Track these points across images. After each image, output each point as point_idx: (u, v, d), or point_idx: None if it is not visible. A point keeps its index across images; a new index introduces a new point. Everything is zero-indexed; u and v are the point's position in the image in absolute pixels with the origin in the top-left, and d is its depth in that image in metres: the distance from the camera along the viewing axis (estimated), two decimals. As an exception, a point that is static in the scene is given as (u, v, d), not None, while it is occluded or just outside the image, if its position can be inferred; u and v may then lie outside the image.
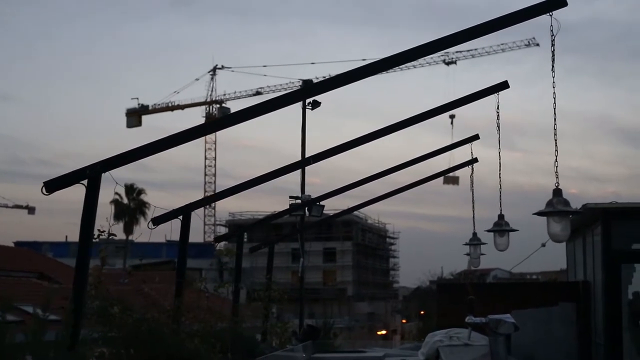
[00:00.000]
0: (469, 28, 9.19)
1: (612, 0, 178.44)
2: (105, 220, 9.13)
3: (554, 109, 8.65)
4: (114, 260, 72.67)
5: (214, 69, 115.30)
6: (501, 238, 13.85)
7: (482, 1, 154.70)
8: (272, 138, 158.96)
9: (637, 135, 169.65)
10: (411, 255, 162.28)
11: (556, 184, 8.50)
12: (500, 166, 13.77)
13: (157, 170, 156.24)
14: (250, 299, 21.48)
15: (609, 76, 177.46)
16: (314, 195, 21.72)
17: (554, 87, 8.62)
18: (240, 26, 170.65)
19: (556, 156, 8.50)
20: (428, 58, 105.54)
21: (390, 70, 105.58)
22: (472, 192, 16.68)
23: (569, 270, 21.13)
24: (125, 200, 76.39)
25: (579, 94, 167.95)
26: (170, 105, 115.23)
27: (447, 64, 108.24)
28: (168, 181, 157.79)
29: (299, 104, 27.25)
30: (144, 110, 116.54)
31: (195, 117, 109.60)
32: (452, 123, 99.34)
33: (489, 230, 13.97)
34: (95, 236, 8.47)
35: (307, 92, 9.18)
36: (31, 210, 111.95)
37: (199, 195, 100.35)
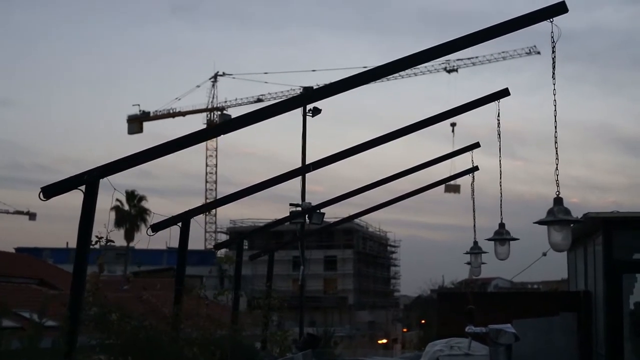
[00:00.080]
0: (469, 34, 9.15)
1: (613, 9, 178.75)
2: (106, 226, 9.09)
3: (555, 116, 8.61)
4: (114, 267, 72.76)
5: (215, 76, 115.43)
6: (502, 247, 13.79)
7: (484, 8, 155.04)
8: (274, 146, 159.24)
9: (638, 144, 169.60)
10: (412, 263, 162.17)
11: (557, 193, 8.45)
12: (500, 174, 13.74)
13: (158, 177, 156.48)
14: (251, 307, 21.41)
15: (610, 85, 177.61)
16: (315, 203, 21.67)
17: (554, 94, 8.59)
18: (241, 33, 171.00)
19: (557, 164, 8.46)
20: (429, 66, 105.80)
21: (391, 78, 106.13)
22: (473, 201, 16.64)
23: (570, 279, 21.06)
24: (126, 207, 76.28)
25: (579, 102, 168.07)
26: (171, 112, 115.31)
27: (449, 71, 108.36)
28: (169, 188, 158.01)
29: (300, 111, 27.22)
30: (145, 116, 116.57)
31: (197, 124, 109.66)
32: (453, 131, 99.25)
33: (489, 239, 13.92)
34: (93, 242, 8.41)
35: (307, 99, 9.14)
36: (32, 216, 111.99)
37: (200, 202, 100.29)
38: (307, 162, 23.99)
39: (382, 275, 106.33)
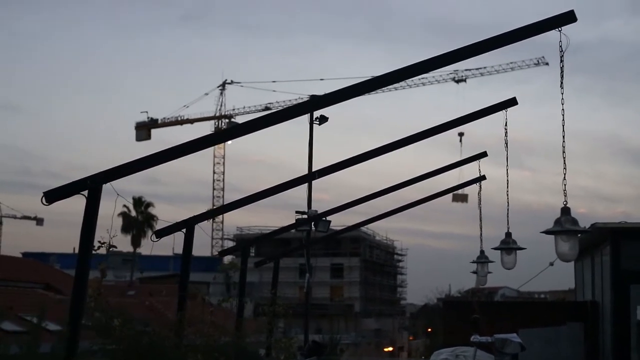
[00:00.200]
0: (478, 42, 9.07)
1: (622, 21, 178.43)
2: (114, 231, 9.05)
3: (563, 125, 8.55)
4: (122, 273, 72.87)
5: (224, 84, 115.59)
6: (508, 256, 13.71)
7: (494, 20, 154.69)
8: (282, 154, 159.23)
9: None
10: (419, 272, 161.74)
11: (564, 203, 8.38)
12: (508, 183, 13.67)
13: (166, 184, 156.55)
14: (256, 314, 21.35)
15: (617, 96, 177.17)
16: (321, 211, 21.61)
17: (562, 103, 8.53)
18: (249, 41, 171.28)
19: (564, 173, 8.38)
20: (437, 75, 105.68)
21: (399, 87, 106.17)
22: (480, 210, 16.56)
23: (577, 289, 20.97)
24: (133, 213, 76.41)
25: (587, 113, 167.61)
26: (179, 119, 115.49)
27: (457, 81, 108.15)
28: (177, 195, 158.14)
29: (307, 120, 27.20)
30: (153, 124, 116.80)
31: (205, 132, 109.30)
32: (460, 141, 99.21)
33: (496, 248, 13.84)
34: (96, 248, 8.37)
35: (314, 105, 9.10)
36: (39, 221, 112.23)
37: (206, 210, 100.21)
38: (314, 170, 23.99)
39: (389, 284, 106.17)
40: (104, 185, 8.14)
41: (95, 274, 9.53)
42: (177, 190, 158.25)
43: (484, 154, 16.26)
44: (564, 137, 8.52)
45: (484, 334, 13.11)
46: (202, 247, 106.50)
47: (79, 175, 8.08)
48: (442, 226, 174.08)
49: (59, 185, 7.98)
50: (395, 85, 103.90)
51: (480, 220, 16.41)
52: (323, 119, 27.40)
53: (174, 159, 8.68)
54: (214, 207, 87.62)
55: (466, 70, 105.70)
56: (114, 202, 8.66)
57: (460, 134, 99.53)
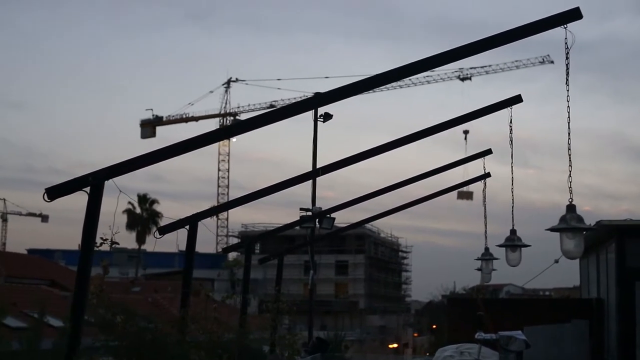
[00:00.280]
0: (483, 39, 9.01)
1: (627, 19, 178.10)
2: (118, 228, 9.03)
3: (568, 122, 8.49)
4: (127, 270, 72.96)
5: (228, 82, 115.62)
6: (513, 253, 13.65)
7: (499, 17, 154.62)
8: (287, 152, 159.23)
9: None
10: (424, 269, 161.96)
11: (570, 200, 8.32)
12: (512, 180, 13.62)
13: (171, 182, 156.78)
14: (261, 310, 21.33)
15: (622, 95, 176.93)
16: (326, 208, 21.57)
17: (568, 100, 8.46)
18: (254, 39, 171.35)
19: (570, 170, 8.33)
20: (442, 73, 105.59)
21: (404, 85, 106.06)
22: (485, 207, 16.50)
23: (582, 287, 20.92)
24: (138, 210, 76.53)
25: (592, 112, 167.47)
26: (184, 116, 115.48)
27: (462, 79, 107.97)
28: (182, 192, 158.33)
29: (311, 117, 27.15)
30: (158, 121, 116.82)
31: (210, 129, 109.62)
32: (465, 139, 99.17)
33: (500, 245, 13.78)
34: (98, 244, 8.34)
35: (319, 101, 9.07)
36: (44, 218, 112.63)
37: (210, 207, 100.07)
38: (318, 167, 23.92)
39: (394, 281, 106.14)
40: (108, 182, 8.13)
41: (98, 270, 9.51)
42: (182, 188, 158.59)
43: (488, 152, 16.20)
44: (569, 134, 8.47)
45: (489, 331, 13.07)
46: (207, 243, 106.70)
47: (82, 172, 8.06)
48: (447, 223, 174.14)
49: (61, 182, 7.96)
50: (400, 83, 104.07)
51: (485, 218, 16.37)
52: (327, 116, 27.33)
53: (176, 155, 8.64)
54: (218, 204, 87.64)
55: (471, 68, 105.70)
56: (118, 199, 8.63)
57: (466, 132, 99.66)
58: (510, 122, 12.83)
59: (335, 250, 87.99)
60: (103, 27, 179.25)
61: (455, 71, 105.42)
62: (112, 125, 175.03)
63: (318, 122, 27.34)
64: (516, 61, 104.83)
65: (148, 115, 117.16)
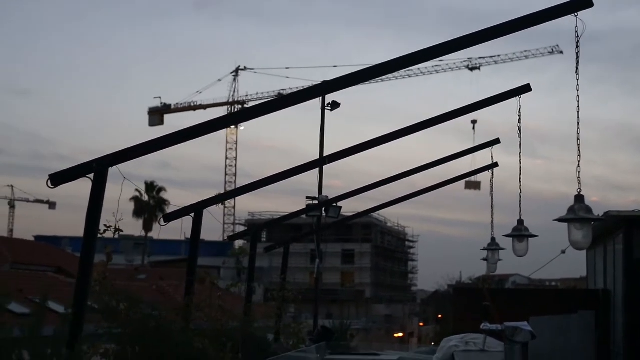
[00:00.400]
0: (492, 27, 8.91)
1: (636, 10, 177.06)
2: (125, 216, 9.00)
3: (578, 111, 8.40)
4: (133, 257, 73.08)
5: (237, 70, 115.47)
6: (520, 244, 13.58)
7: (508, 7, 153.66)
8: (295, 140, 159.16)
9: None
10: (430, 259, 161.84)
11: (578, 190, 8.24)
12: (520, 169, 13.55)
13: (179, 169, 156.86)
14: (267, 299, 21.33)
15: (630, 86, 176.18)
16: (333, 197, 21.52)
17: (577, 90, 8.37)
18: (263, 28, 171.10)
19: (579, 160, 8.24)
20: (451, 63, 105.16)
21: (413, 75, 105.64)
22: (492, 197, 16.45)
23: (589, 278, 20.84)
24: (145, 198, 76.58)
25: (600, 103, 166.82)
26: (192, 105, 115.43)
27: (471, 69, 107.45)
28: (190, 180, 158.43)
29: (319, 106, 27.07)
30: (166, 109, 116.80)
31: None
32: (474, 128, 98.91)
33: (507, 235, 13.70)
34: (102, 231, 8.30)
35: (326, 89, 9.01)
36: (52, 205, 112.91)
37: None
38: (325, 155, 23.83)
39: (400, 270, 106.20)
40: (115, 170, 8.07)
41: (103, 257, 9.47)
42: (190, 176, 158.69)
43: (496, 141, 16.13)
44: (578, 123, 8.38)
45: (495, 322, 13.00)
46: (214, 232, 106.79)
47: (90, 159, 7.99)
48: (454, 213, 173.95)
49: (65, 168, 7.91)
50: (409, 72, 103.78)
51: (492, 208, 16.31)
52: (335, 105, 27.24)
53: (180, 142, 8.58)
54: (223, 192, 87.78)
55: (480, 58, 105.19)
56: (122, 186, 8.59)
57: (474, 122, 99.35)
58: (519, 111, 12.76)
59: (341, 239, 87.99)
60: (111, 15, 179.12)
61: (464, 61, 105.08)
62: (120, 113, 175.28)
63: (326, 110, 27.25)
64: (525, 51, 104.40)
65: (156, 103, 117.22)
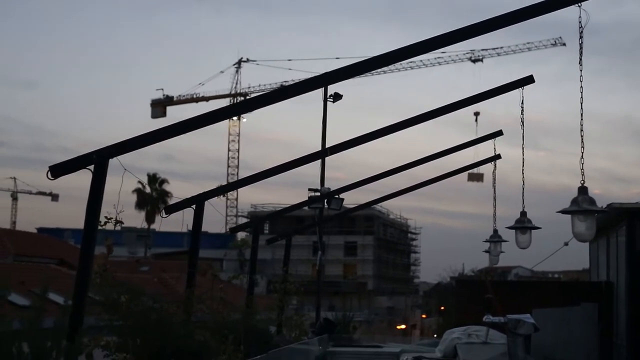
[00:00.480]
0: (495, 17, 8.85)
1: (639, 3, 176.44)
2: (127, 208, 8.95)
3: (581, 102, 8.35)
4: (135, 249, 73.14)
5: (239, 62, 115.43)
6: (523, 235, 13.55)
7: (513, 1, 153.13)
8: (297, 132, 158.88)
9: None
10: (433, 251, 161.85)
11: (582, 182, 8.19)
12: (523, 161, 13.54)
13: (182, 162, 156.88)
14: (269, 291, 21.31)
15: (633, 78, 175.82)
16: (335, 189, 21.47)
17: (581, 81, 8.32)
18: (265, 19, 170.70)
19: (582, 152, 8.19)
20: (453, 55, 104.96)
21: (415, 67, 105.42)
22: (494, 189, 16.43)
23: (592, 270, 20.80)
24: (148, 190, 76.61)
25: (602, 95, 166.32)
26: (195, 96, 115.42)
27: (473, 61, 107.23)
28: (192, 172, 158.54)
29: (321, 97, 26.99)
30: (168, 101, 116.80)
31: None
32: (476, 120, 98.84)
33: (510, 227, 13.67)
34: (102, 223, 8.26)
35: (326, 80, 8.96)
36: (54, 197, 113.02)
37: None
38: (327, 147, 23.75)
39: (402, 262, 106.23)
40: (116, 161, 8.03)
41: (104, 249, 9.44)
42: (193, 168, 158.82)
43: (499, 133, 16.08)
44: (582, 114, 8.33)
45: (497, 314, 12.96)
46: (217, 224, 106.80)
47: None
48: (456, 205, 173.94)
49: (65, 160, 7.86)
50: (411, 64, 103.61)
51: (495, 199, 16.29)
52: (337, 97, 27.15)
53: (181, 133, 8.52)
54: (225, 184, 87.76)
55: (483, 50, 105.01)
56: (123, 177, 8.55)
57: (476, 114, 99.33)
58: (522, 102, 12.72)
59: (344, 231, 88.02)
60: (114, 7, 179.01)
61: (467, 53, 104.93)
62: (122, 105, 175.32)
63: (328, 102, 27.18)
64: (528, 43, 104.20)
65: (159, 95, 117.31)
